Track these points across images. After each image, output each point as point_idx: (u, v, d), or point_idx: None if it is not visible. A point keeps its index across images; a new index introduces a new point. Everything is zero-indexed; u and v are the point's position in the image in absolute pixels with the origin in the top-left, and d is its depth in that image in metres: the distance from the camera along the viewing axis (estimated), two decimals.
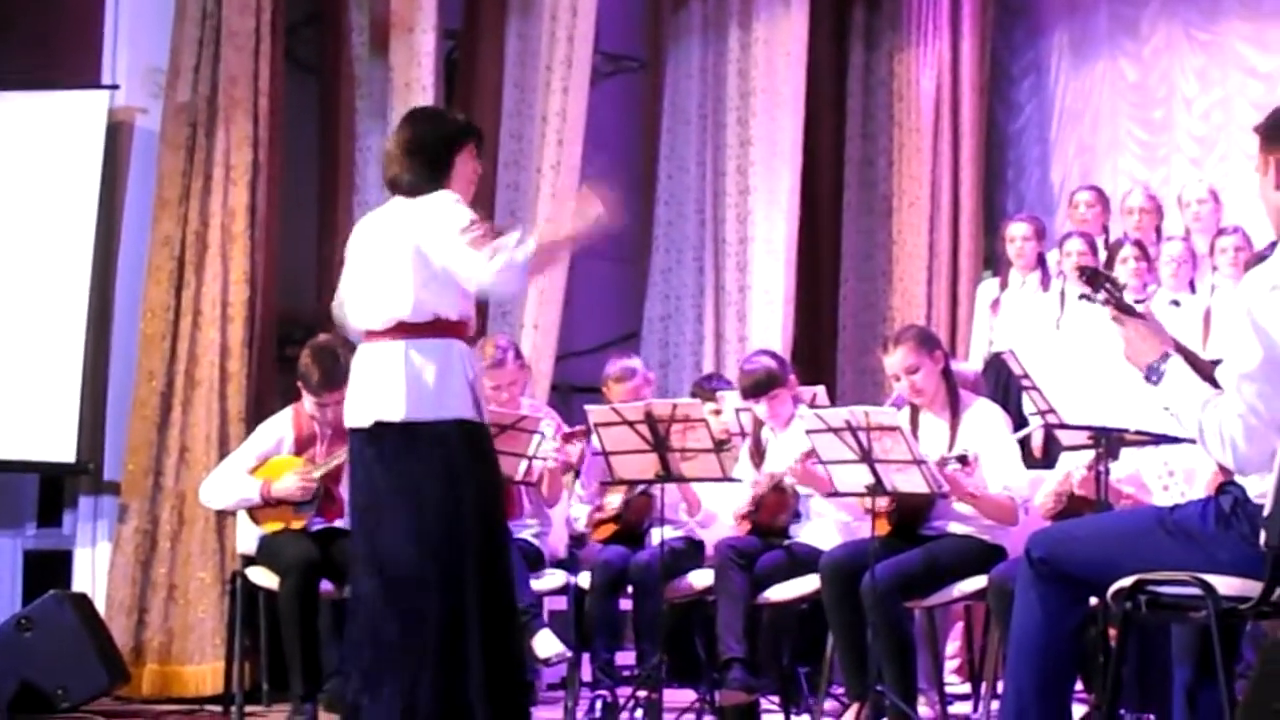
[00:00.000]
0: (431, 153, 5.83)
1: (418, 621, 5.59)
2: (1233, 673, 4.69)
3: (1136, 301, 4.86)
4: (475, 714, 5.57)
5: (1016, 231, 9.76)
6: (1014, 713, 4.82)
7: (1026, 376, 6.51)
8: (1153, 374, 4.62)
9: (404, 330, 5.66)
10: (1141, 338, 4.69)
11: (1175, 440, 6.00)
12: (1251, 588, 4.49)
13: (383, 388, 5.64)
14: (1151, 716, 6.45)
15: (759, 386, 7.73)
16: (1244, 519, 4.51)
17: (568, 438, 8.25)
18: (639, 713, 7.50)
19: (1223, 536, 4.54)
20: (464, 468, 5.64)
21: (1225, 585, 4.52)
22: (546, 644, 7.44)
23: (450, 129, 5.95)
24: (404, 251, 5.66)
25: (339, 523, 7.86)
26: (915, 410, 7.27)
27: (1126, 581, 4.66)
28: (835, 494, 7.06)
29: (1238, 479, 4.54)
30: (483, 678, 5.57)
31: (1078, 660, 4.91)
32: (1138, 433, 6.09)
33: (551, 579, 7.97)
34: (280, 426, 8.04)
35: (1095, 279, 4.81)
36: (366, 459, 5.73)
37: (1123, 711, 5.66)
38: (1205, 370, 4.65)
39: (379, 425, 5.66)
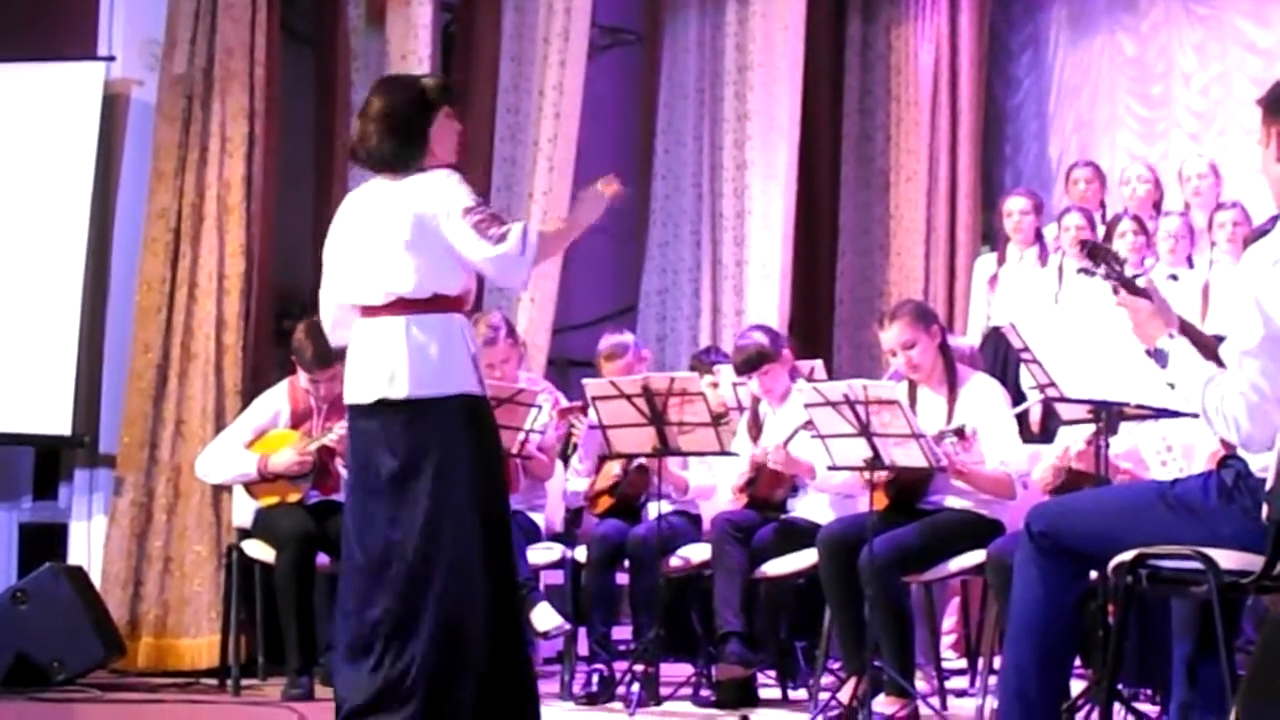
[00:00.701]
0: (406, 120, 5.75)
1: (413, 596, 5.57)
2: (1233, 647, 4.68)
3: (1135, 276, 4.82)
4: (467, 689, 5.55)
5: (1014, 206, 9.74)
6: (1014, 687, 4.81)
7: (1027, 350, 6.49)
8: (1159, 355, 4.61)
9: (404, 306, 5.62)
10: (1147, 316, 4.67)
11: (1175, 415, 5.98)
12: (1253, 562, 4.48)
13: (385, 364, 5.61)
14: (1150, 691, 6.46)
15: (750, 362, 7.72)
16: (1246, 493, 4.50)
17: (564, 412, 8.26)
18: (635, 686, 7.48)
19: (1224, 510, 4.53)
20: (468, 441, 5.62)
21: (1226, 559, 4.51)
22: (545, 617, 7.44)
23: (423, 93, 5.85)
24: (402, 227, 5.60)
25: (336, 496, 7.86)
26: (913, 385, 7.25)
27: (1127, 555, 4.65)
28: (834, 468, 7.04)
29: (1240, 453, 4.53)
30: (484, 653, 5.55)
31: (1078, 634, 4.89)
32: (1138, 407, 6.07)
33: (548, 553, 7.97)
34: (276, 400, 8.03)
35: (1098, 254, 4.79)
36: (367, 434, 5.69)
37: (1121, 686, 5.64)
38: (1209, 346, 4.63)
39: (380, 402, 5.63)
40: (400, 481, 5.61)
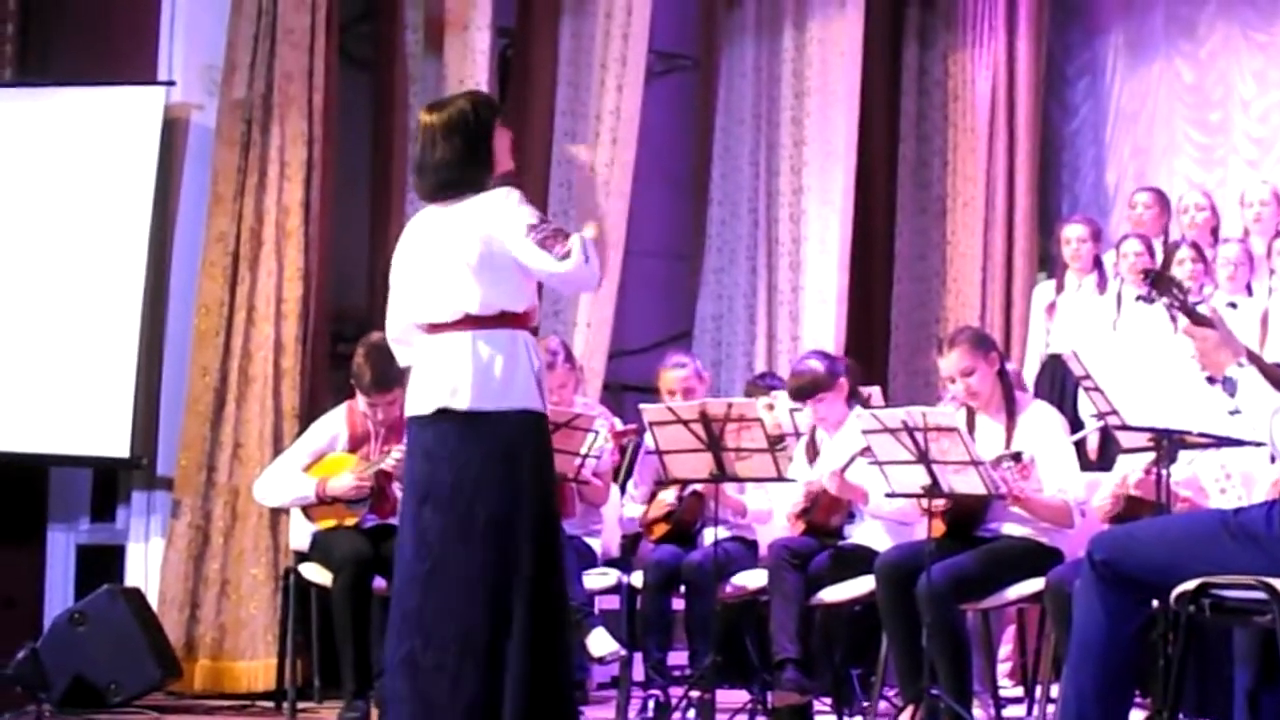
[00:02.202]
0: (475, 146, 5.77)
1: (465, 609, 5.57)
2: None
3: (1197, 304, 4.79)
4: (512, 704, 5.54)
5: (1072, 233, 9.69)
6: (1073, 714, 4.78)
7: (1088, 377, 6.47)
8: (1227, 383, 4.57)
9: (471, 322, 5.63)
10: (1215, 345, 4.63)
11: (1238, 443, 5.94)
12: None
13: (448, 376, 5.61)
14: None
15: (805, 390, 7.72)
16: None
17: (620, 436, 8.25)
18: (691, 713, 7.47)
19: None
20: (525, 458, 5.62)
21: None
22: (601, 642, 7.43)
23: (477, 111, 5.85)
24: (467, 248, 5.61)
25: (392, 520, 7.87)
26: (971, 412, 7.23)
27: (1190, 585, 4.62)
28: (892, 495, 7.02)
29: None
30: (523, 674, 5.53)
31: (1139, 664, 4.87)
32: (1200, 435, 6.03)
33: (604, 578, 7.97)
34: (335, 424, 8.05)
35: (1162, 283, 4.76)
36: (425, 446, 5.69)
37: (1181, 716, 5.61)
38: (1275, 376, 4.60)
39: (441, 413, 5.63)
40: (456, 493, 5.61)
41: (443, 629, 5.58)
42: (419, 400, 5.71)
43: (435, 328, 5.70)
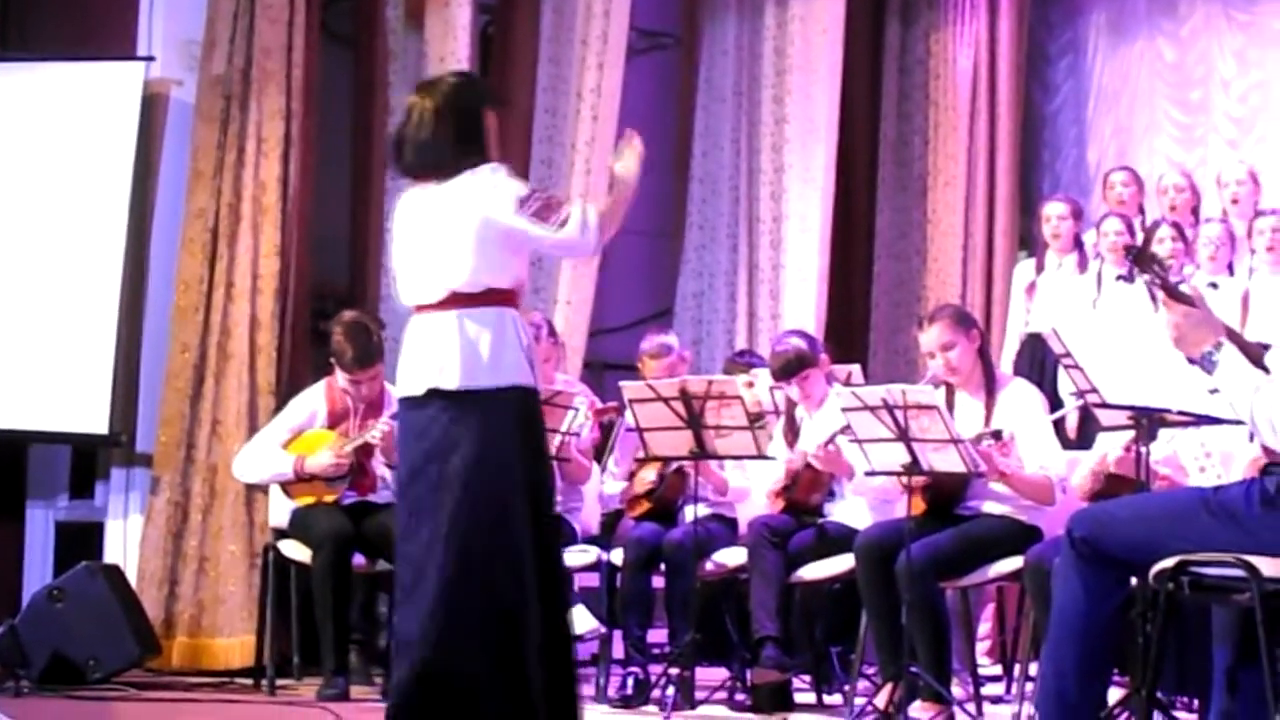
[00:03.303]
0: (467, 128, 5.76)
1: (464, 589, 5.56)
2: (1275, 655, 4.66)
3: (1177, 282, 4.78)
4: (533, 682, 5.54)
5: (1052, 211, 9.67)
6: (1053, 692, 4.79)
7: (1068, 355, 6.46)
8: (1206, 361, 4.56)
9: (457, 300, 5.61)
10: (1195, 323, 4.61)
11: (1217, 421, 5.95)
12: None
13: (436, 356, 5.60)
14: (1188, 699, 6.43)
15: (789, 367, 7.70)
16: None
17: (600, 413, 8.25)
18: (670, 690, 7.47)
19: (1267, 518, 4.50)
20: (518, 432, 5.61)
21: (1269, 567, 4.49)
22: (581, 620, 7.42)
23: (471, 95, 5.86)
24: (457, 226, 5.59)
25: (372, 497, 7.87)
26: (951, 390, 7.23)
27: (1169, 562, 4.62)
28: (872, 473, 7.02)
29: None
30: (540, 645, 5.54)
31: (1118, 641, 4.87)
32: (1179, 414, 6.04)
33: (584, 555, 7.97)
34: (313, 400, 8.04)
35: (1143, 260, 4.74)
36: (417, 427, 5.68)
37: (1160, 693, 5.61)
38: (1254, 355, 4.59)
39: (431, 393, 5.63)
40: (451, 472, 5.60)
41: (444, 609, 5.57)
42: (409, 381, 5.70)
43: (423, 308, 5.69)
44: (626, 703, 7.60)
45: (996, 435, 6.83)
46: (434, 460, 5.62)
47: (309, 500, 7.89)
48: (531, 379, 5.67)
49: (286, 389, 8.62)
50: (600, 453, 8.46)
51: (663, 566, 7.84)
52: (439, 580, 5.55)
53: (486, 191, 5.59)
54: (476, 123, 5.74)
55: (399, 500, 5.77)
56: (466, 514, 5.56)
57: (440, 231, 5.63)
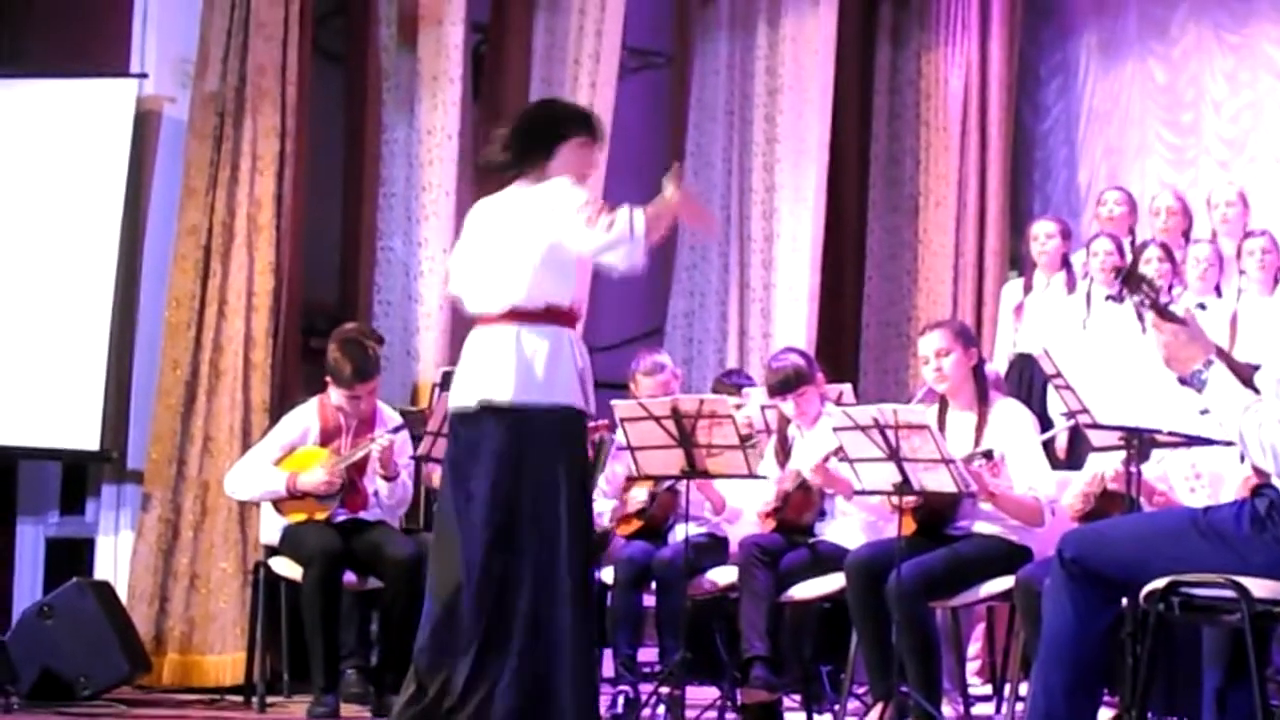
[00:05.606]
0: (535, 134, 5.81)
1: (504, 602, 5.58)
2: (1265, 676, 4.67)
3: (1167, 303, 4.79)
4: (562, 699, 5.56)
5: (1041, 230, 9.68)
6: (1042, 712, 4.79)
7: (1059, 375, 6.48)
8: (1195, 380, 4.58)
9: (516, 316, 5.65)
10: (1183, 344, 4.62)
11: (1208, 442, 5.97)
12: None
13: (492, 370, 5.63)
14: None
15: (787, 384, 7.70)
16: (1278, 522, 4.48)
17: (591, 431, 8.23)
18: (660, 709, 7.48)
19: (1257, 539, 4.51)
20: (565, 452, 5.64)
21: (1259, 588, 4.50)
22: None
23: (559, 114, 5.93)
24: (521, 237, 5.64)
25: (363, 514, 7.87)
26: (944, 406, 7.23)
27: (1160, 583, 4.64)
28: (862, 492, 7.03)
29: (1274, 481, 4.51)
30: (570, 660, 5.56)
31: (1108, 662, 4.88)
32: (1170, 434, 6.05)
33: None
34: (306, 417, 8.04)
35: (1134, 281, 4.76)
36: (468, 439, 5.70)
37: (1149, 714, 5.62)
38: (1244, 375, 4.61)
39: (484, 407, 5.64)
40: (495, 488, 5.61)
41: (485, 621, 5.59)
42: (462, 393, 5.72)
43: (483, 320, 5.72)
44: None
45: (987, 455, 6.83)
46: (481, 475, 5.63)
47: (300, 517, 7.88)
48: (583, 402, 5.69)
49: (279, 406, 8.61)
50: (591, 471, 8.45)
51: (653, 585, 7.84)
52: (482, 597, 5.58)
53: (549, 199, 5.65)
54: (545, 142, 5.83)
55: (443, 514, 5.79)
56: (509, 528, 5.58)
57: (503, 240, 5.67)
